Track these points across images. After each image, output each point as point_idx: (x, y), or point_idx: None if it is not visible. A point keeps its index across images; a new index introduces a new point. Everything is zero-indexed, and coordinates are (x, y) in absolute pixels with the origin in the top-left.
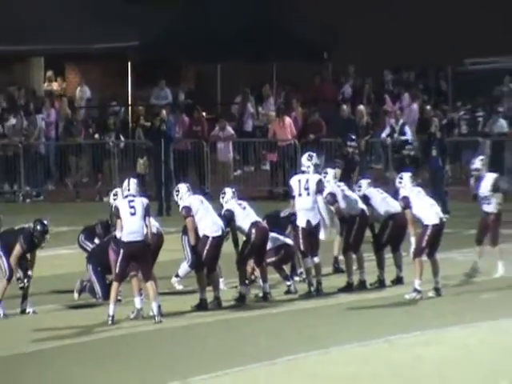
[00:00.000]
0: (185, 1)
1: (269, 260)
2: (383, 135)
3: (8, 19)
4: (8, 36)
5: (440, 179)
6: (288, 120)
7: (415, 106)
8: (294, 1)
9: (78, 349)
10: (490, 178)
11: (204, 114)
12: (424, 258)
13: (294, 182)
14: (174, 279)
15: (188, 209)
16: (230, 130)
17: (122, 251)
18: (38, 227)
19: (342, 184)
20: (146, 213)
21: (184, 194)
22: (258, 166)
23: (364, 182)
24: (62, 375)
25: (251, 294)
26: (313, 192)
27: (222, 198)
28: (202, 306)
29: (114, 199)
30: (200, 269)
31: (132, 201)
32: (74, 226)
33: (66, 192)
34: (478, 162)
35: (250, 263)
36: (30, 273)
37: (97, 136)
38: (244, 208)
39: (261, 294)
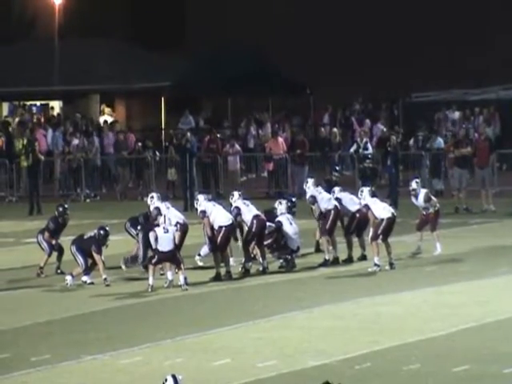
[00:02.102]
0: (203, 52)
1: (265, 242)
2: (351, 150)
3: (72, 66)
4: (73, 78)
5: (394, 182)
6: (280, 139)
7: (380, 126)
8: (283, 51)
9: (125, 309)
10: (422, 194)
11: (218, 135)
12: (379, 241)
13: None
14: (197, 257)
15: (203, 212)
16: (237, 147)
17: (157, 257)
18: (102, 232)
19: (319, 188)
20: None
21: (202, 202)
22: (258, 174)
23: (337, 189)
24: (114, 329)
25: (253, 268)
26: None
27: (231, 198)
28: (217, 278)
29: (151, 200)
30: (216, 250)
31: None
32: (121, 219)
33: (115, 194)
34: (414, 184)
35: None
36: (104, 276)
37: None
38: (248, 205)
39: (261, 269)
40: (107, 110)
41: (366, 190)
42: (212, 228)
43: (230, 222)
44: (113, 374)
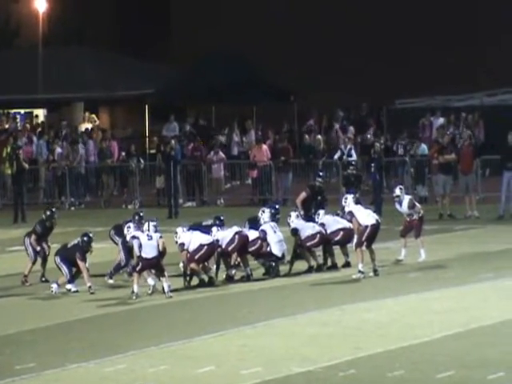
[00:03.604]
0: (188, 59)
1: (250, 249)
2: (335, 157)
3: (56, 74)
4: (57, 86)
5: (378, 189)
6: (264, 146)
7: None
8: (268, 59)
9: (110, 317)
10: (406, 200)
11: (202, 142)
12: (363, 248)
13: None
14: (181, 264)
15: (182, 245)
16: (221, 154)
17: (141, 264)
18: (85, 239)
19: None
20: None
21: (180, 234)
22: (242, 181)
23: (321, 212)
24: (99, 336)
25: (237, 275)
26: None
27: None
28: (201, 285)
29: (127, 229)
30: (196, 263)
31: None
32: (106, 227)
33: (99, 202)
34: (397, 191)
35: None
36: (89, 284)
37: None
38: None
39: (244, 275)
40: (89, 117)
41: (349, 198)
42: (190, 261)
43: (211, 241)
44: (97, 381)
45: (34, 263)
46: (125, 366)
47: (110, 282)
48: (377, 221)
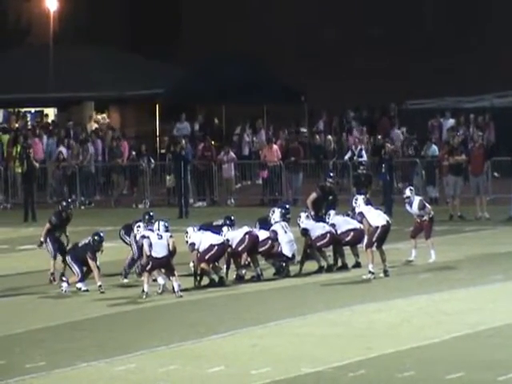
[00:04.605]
0: (198, 59)
1: (260, 249)
2: (346, 157)
3: (67, 73)
4: (68, 85)
5: (388, 190)
6: (275, 146)
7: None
8: (278, 58)
9: (120, 316)
10: (417, 201)
11: (212, 142)
12: (374, 248)
13: None
14: (191, 264)
15: (193, 245)
16: (232, 154)
17: (151, 263)
18: (96, 238)
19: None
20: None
21: (191, 234)
22: (253, 181)
23: (332, 213)
24: (109, 336)
25: (247, 275)
26: None
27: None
28: (211, 285)
29: (137, 229)
30: (206, 263)
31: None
32: (116, 226)
33: (110, 201)
34: (408, 192)
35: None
36: (99, 283)
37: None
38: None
39: (255, 275)
40: (99, 117)
41: (360, 198)
42: (201, 261)
43: (221, 241)
44: (107, 381)
45: (55, 258)
46: (135, 365)
47: (125, 281)
48: (387, 222)
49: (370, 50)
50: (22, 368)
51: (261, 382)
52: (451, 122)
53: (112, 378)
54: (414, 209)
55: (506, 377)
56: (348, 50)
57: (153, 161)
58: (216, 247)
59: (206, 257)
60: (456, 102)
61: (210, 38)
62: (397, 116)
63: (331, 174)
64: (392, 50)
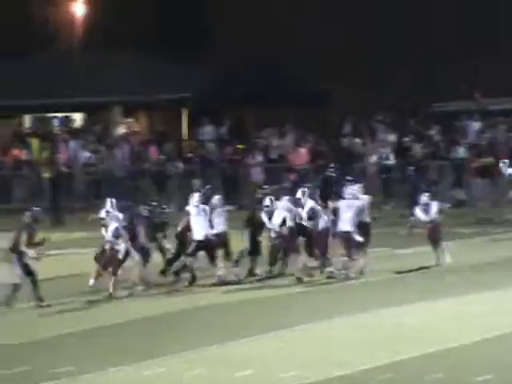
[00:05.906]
0: (225, 63)
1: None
2: (372, 160)
3: (94, 78)
4: (95, 90)
5: (416, 191)
6: (303, 150)
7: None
8: (304, 62)
9: (147, 321)
10: (435, 206)
11: (241, 146)
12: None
13: None
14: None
15: None
16: (260, 157)
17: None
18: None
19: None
20: None
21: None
22: (281, 185)
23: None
24: (137, 341)
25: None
26: None
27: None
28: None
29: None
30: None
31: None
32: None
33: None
34: (425, 198)
35: None
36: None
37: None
38: None
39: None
40: (126, 121)
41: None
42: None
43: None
44: None
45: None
46: (163, 370)
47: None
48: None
49: (396, 53)
50: (50, 372)
51: None
52: (478, 124)
53: (140, 382)
54: (432, 214)
55: None
56: (375, 53)
57: (180, 165)
58: None
59: None
60: (483, 105)
61: (237, 42)
62: (424, 119)
63: (332, 166)
64: (419, 53)
